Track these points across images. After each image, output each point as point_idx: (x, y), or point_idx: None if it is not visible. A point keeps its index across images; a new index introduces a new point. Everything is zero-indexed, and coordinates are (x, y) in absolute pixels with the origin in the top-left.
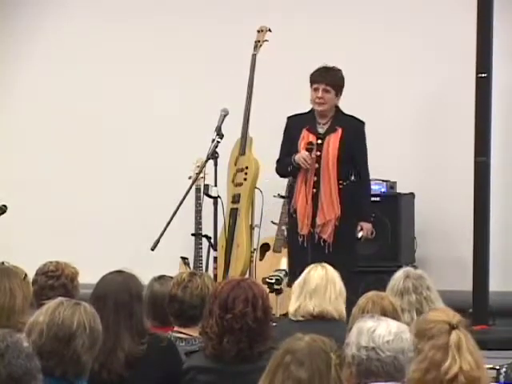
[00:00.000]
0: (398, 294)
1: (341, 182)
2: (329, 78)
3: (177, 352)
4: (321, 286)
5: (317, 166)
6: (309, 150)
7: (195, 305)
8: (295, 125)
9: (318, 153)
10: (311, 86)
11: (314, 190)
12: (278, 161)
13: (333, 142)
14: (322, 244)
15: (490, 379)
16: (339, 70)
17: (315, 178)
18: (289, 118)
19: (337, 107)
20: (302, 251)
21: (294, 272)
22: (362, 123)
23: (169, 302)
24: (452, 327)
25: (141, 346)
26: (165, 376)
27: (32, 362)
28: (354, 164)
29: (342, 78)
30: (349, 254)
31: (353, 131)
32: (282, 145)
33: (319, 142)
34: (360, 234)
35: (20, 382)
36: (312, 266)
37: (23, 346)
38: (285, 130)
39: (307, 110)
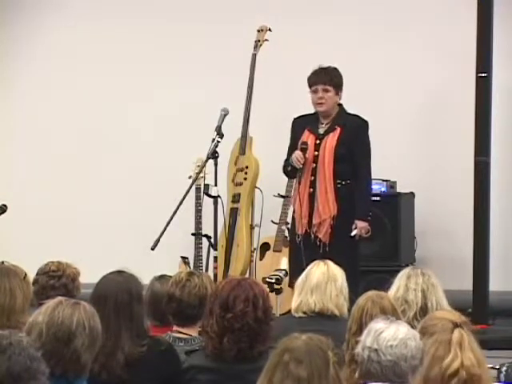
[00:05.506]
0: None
1: (339, 181)
2: (327, 78)
3: (176, 356)
4: (322, 282)
5: (314, 165)
6: (302, 149)
7: (193, 304)
8: (299, 126)
9: (316, 152)
10: (310, 88)
11: (311, 190)
12: (285, 161)
13: (330, 141)
14: (318, 243)
15: (492, 379)
16: (335, 69)
17: (312, 178)
18: (294, 119)
19: (340, 106)
20: (299, 251)
21: (292, 273)
22: (365, 122)
23: (167, 300)
24: (455, 325)
25: (140, 347)
26: (164, 380)
27: (35, 362)
28: (354, 163)
29: (340, 76)
30: (345, 254)
31: (353, 130)
32: (288, 146)
33: (317, 142)
34: (353, 233)
35: (19, 378)
36: (315, 262)
37: (27, 346)
38: (291, 132)
39: (313, 112)
